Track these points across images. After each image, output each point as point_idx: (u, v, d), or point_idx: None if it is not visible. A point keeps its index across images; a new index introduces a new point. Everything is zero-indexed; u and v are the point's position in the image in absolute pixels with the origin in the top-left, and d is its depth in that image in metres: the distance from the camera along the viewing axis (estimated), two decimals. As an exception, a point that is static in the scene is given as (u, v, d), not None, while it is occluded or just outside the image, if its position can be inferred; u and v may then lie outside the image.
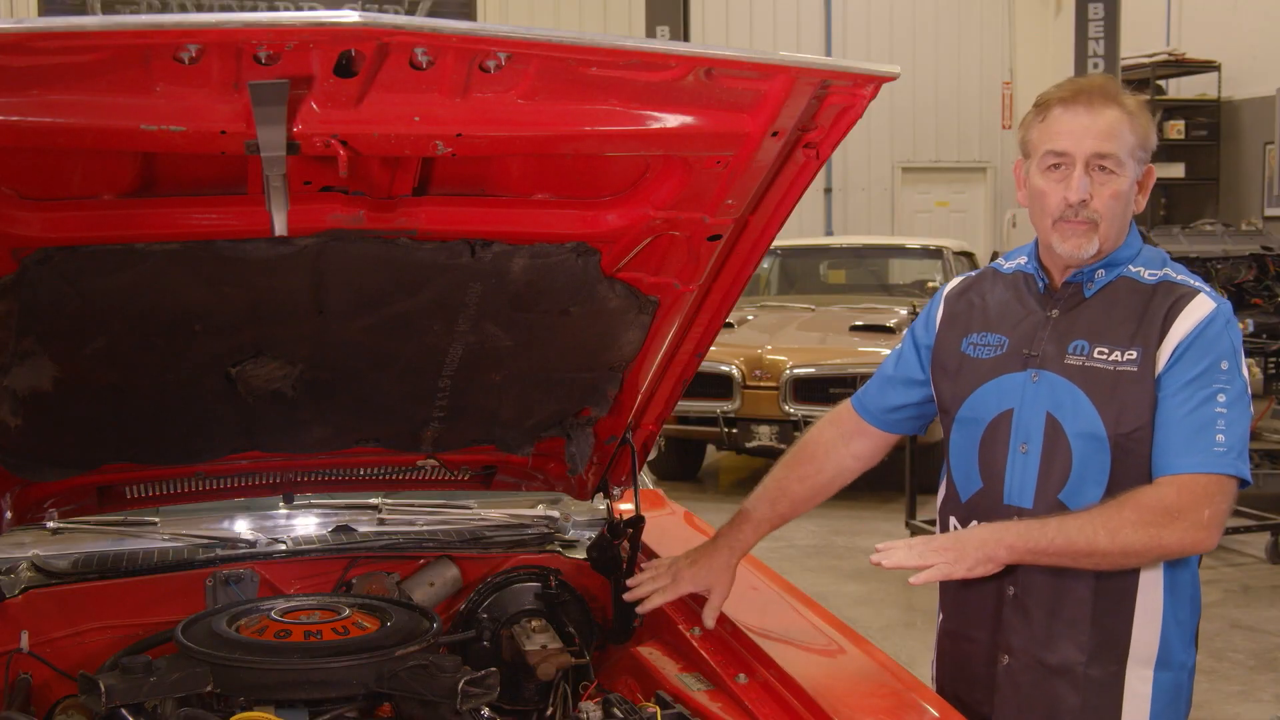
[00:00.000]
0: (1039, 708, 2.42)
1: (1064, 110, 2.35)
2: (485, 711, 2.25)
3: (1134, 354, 2.33)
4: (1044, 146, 2.37)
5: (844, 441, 2.71)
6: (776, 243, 4.96)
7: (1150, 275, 2.40)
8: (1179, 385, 2.29)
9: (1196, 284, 2.38)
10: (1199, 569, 2.50)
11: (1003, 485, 2.43)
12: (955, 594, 2.56)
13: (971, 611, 2.51)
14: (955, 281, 2.66)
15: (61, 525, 2.84)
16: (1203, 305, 2.33)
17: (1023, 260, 2.53)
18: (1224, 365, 2.29)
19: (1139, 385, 2.31)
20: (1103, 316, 2.38)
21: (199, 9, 14.62)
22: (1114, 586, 2.36)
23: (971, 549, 2.30)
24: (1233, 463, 2.27)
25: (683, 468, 9.84)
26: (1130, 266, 2.41)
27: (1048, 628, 2.40)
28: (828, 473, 2.71)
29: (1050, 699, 2.41)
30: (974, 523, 2.45)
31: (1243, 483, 2.30)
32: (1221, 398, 2.28)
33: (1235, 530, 7.19)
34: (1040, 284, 2.47)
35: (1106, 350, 2.35)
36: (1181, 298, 2.34)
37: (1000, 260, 2.62)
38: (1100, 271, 2.41)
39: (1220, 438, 2.26)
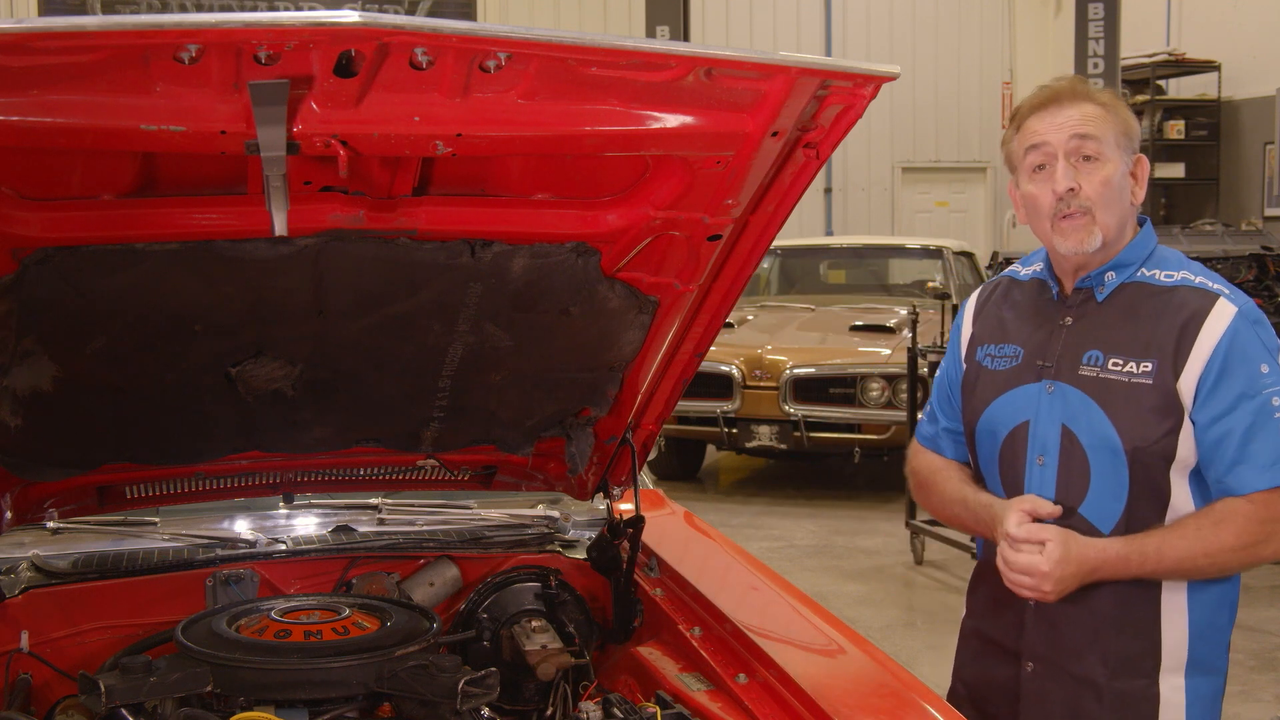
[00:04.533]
0: (1064, 714, 2.40)
1: (1037, 115, 2.35)
2: (485, 711, 2.25)
3: (1149, 366, 2.29)
4: (1024, 148, 2.36)
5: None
6: (776, 243, 4.97)
7: (1166, 277, 2.34)
8: (1229, 402, 2.24)
9: (1216, 286, 2.32)
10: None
11: None
12: (980, 594, 2.55)
13: (996, 615, 2.49)
14: (971, 303, 2.62)
15: (61, 525, 2.84)
16: (1224, 312, 2.27)
17: (1038, 267, 2.50)
18: (1264, 369, 2.25)
19: (1155, 398, 2.28)
20: (1117, 325, 2.34)
21: (199, 9, 14.61)
22: (1137, 598, 2.34)
23: (1070, 583, 2.29)
24: None
25: (683, 468, 9.85)
26: (1144, 270, 2.36)
27: (1071, 639, 2.38)
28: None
29: (1076, 709, 2.38)
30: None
31: None
32: (1276, 401, 2.24)
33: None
34: (1054, 291, 2.44)
35: (1121, 361, 2.31)
36: (1201, 307, 2.28)
37: (1017, 266, 2.59)
38: (1110, 274, 2.36)
39: None
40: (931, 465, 2.63)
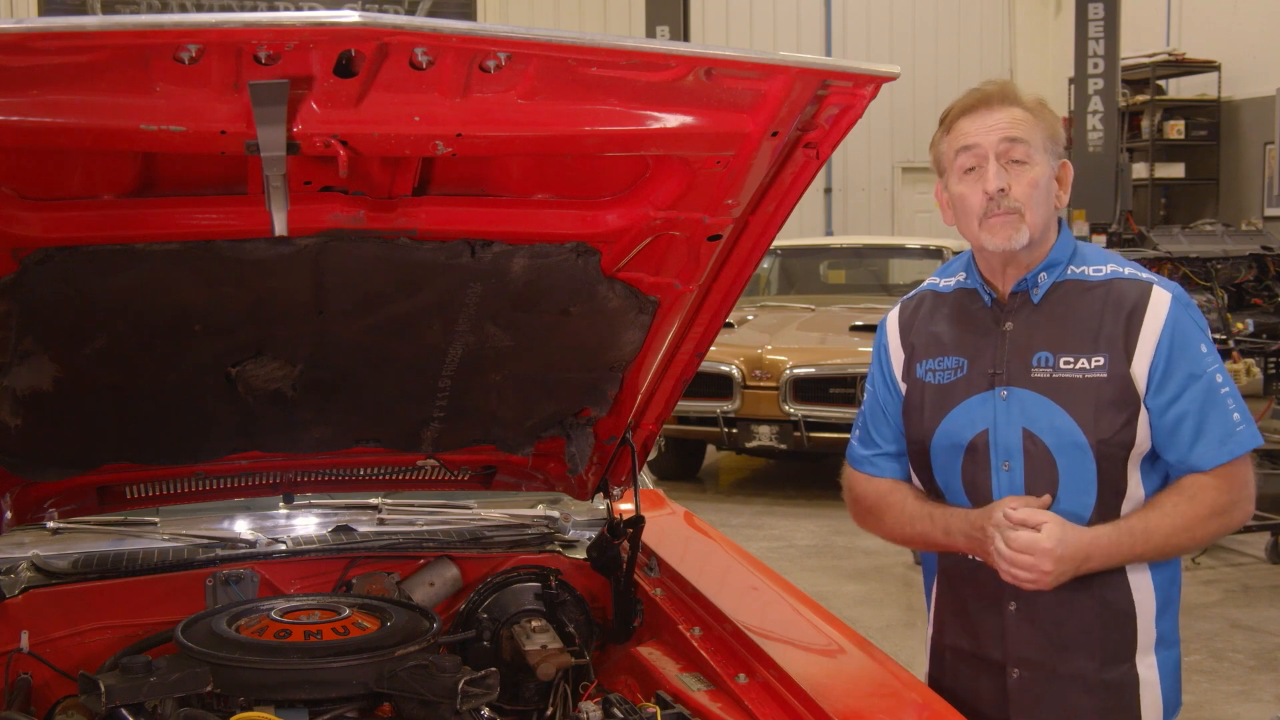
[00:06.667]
0: (1056, 714, 2.41)
1: (967, 117, 2.39)
2: (485, 711, 2.26)
3: (1101, 360, 2.33)
4: (955, 149, 2.40)
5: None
6: (776, 243, 4.96)
7: (1095, 272, 2.40)
8: (1180, 384, 2.31)
9: (1146, 276, 2.40)
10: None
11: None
12: (951, 608, 2.54)
13: (972, 627, 2.48)
14: (894, 323, 2.60)
15: (61, 525, 2.84)
16: (1161, 299, 2.34)
17: (961, 277, 2.51)
18: (1203, 348, 2.34)
19: (1112, 389, 2.32)
20: (1059, 324, 2.38)
21: (199, 9, 14.62)
22: (1111, 587, 2.37)
23: (1067, 571, 2.29)
24: (1254, 435, 2.35)
25: (683, 468, 9.84)
26: (1072, 268, 2.41)
27: (1058, 639, 2.39)
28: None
29: (1067, 705, 2.40)
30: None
31: None
32: (1219, 378, 2.33)
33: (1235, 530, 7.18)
34: (987, 298, 2.45)
35: (1072, 359, 2.35)
36: (1140, 296, 2.34)
37: (935, 279, 2.59)
38: (1042, 275, 2.40)
39: (1236, 416, 2.33)
40: (879, 489, 2.59)
